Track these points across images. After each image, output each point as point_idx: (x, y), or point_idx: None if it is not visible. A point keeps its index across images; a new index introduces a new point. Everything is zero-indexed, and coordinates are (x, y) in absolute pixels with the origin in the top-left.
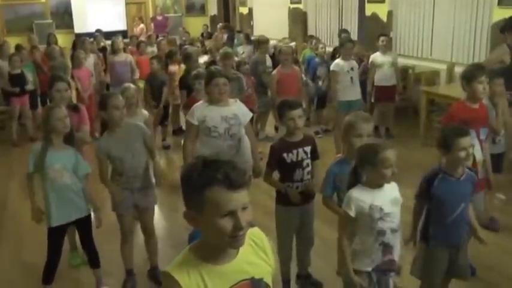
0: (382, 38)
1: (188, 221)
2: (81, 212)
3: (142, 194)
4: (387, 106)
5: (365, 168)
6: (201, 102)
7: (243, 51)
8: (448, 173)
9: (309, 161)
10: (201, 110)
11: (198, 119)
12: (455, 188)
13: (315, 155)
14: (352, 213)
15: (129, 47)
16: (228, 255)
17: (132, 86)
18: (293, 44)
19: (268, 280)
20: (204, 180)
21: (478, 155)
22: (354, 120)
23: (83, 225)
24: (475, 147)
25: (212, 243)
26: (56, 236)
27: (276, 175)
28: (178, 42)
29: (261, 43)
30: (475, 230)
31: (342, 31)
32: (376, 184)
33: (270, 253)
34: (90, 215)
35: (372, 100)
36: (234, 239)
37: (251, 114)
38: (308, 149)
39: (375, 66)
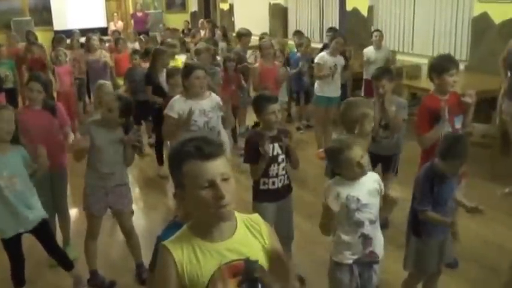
0: (375, 33)
1: (178, 201)
2: (36, 218)
3: (117, 195)
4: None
5: (335, 166)
6: (178, 96)
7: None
8: (441, 172)
9: (283, 156)
10: (179, 103)
11: (178, 113)
12: (449, 186)
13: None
14: (331, 205)
15: (107, 45)
16: (222, 233)
17: (107, 82)
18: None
19: (264, 263)
20: (180, 156)
21: None
22: (359, 103)
23: (41, 233)
24: None
25: (203, 220)
26: (12, 245)
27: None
28: (159, 39)
29: (241, 36)
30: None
31: (331, 29)
32: (351, 177)
33: (267, 237)
34: (46, 220)
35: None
36: (219, 210)
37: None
38: (283, 144)
39: (368, 61)
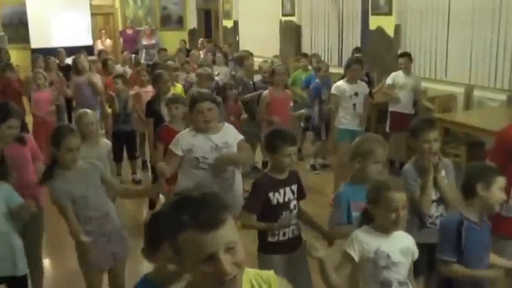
0: (400, 61)
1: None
2: (13, 270)
3: (119, 238)
4: (400, 136)
5: (371, 207)
6: (186, 130)
7: (217, 72)
8: (471, 220)
9: (295, 202)
10: (187, 138)
11: (183, 149)
12: (481, 237)
13: (301, 194)
14: (356, 256)
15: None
16: None
17: (89, 111)
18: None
19: None
20: (172, 227)
21: None
22: (372, 146)
23: (17, 286)
24: None
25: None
26: None
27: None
28: (141, 55)
29: (241, 59)
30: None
31: (355, 50)
32: (384, 228)
33: None
34: (26, 275)
35: (387, 129)
36: (224, 285)
37: (242, 137)
38: (295, 187)
39: (395, 86)
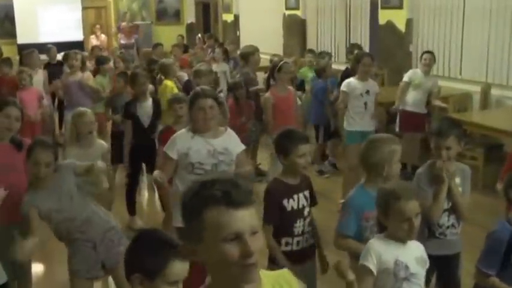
0: (425, 56)
1: (186, 258)
2: None
3: (106, 244)
4: (413, 138)
5: (382, 217)
6: (183, 130)
7: (215, 70)
8: None
9: (309, 208)
10: (184, 140)
11: (179, 152)
12: None
13: (313, 200)
14: (374, 269)
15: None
16: None
17: (88, 110)
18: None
19: None
20: (201, 201)
21: None
22: (390, 146)
23: None
24: None
25: (221, 283)
26: None
27: None
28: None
29: (247, 56)
30: None
31: (353, 46)
32: (397, 238)
33: None
34: (6, 284)
35: (397, 129)
36: (245, 270)
37: (243, 147)
38: (307, 193)
39: (410, 84)
